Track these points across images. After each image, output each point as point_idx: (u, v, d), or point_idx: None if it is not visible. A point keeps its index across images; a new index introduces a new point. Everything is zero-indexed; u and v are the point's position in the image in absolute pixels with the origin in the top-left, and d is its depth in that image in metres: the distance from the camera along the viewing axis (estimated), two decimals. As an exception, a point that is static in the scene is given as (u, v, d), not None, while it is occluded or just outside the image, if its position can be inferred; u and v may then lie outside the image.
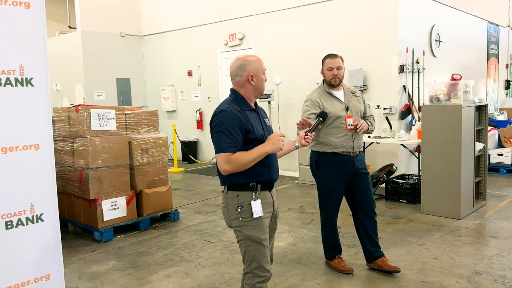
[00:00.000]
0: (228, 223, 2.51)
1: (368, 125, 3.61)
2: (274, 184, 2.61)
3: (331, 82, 3.59)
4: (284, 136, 2.46)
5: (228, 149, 2.33)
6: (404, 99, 7.06)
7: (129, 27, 10.69)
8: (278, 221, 2.68)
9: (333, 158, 3.56)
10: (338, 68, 3.57)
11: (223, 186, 2.52)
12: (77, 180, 4.83)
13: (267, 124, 2.62)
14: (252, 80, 2.49)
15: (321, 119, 2.97)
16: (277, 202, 2.63)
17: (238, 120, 2.37)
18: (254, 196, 2.42)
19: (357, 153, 3.62)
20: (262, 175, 2.46)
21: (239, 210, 2.42)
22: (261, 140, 2.44)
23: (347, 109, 3.53)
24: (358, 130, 3.54)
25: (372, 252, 3.71)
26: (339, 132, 3.53)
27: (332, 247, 3.80)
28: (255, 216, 2.40)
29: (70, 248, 4.53)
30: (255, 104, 2.60)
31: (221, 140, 2.35)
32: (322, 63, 3.64)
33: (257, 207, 2.42)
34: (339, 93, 3.62)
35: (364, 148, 6.58)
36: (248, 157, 2.35)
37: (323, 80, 3.69)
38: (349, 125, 3.52)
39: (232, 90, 2.55)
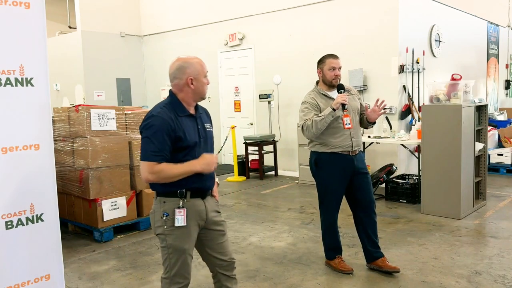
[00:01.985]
0: (153, 230, 2.40)
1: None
2: (210, 192, 2.49)
3: (332, 83, 3.55)
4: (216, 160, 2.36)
5: (153, 158, 2.23)
6: (404, 99, 7.06)
7: (129, 27, 10.68)
8: (224, 227, 2.54)
9: (332, 158, 3.54)
10: (339, 69, 3.57)
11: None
12: (77, 180, 4.83)
13: (207, 130, 2.48)
14: (192, 83, 2.35)
15: (342, 90, 3.48)
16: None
17: (168, 127, 2.25)
18: (180, 204, 2.31)
19: (357, 152, 3.60)
20: (193, 183, 2.34)
21: (164, 217, 2.31)
22: (193, 148, 2.33)
23: (343, 108, 3.47)
24: (380, 108, 3.48)
25: (371, 252, 3.71)
26: (337, 132, 3.51)
27: (332, 247, 3.79)
28: (176, 224, 2.30)
29: (70, 248, 4.53)
30: (197, 107, 2.47)
31: (147, 147, 2.25)
32: (321, 63, 3.59)
33: (180, 216, 2.30)
34: (334, 94, 3.58)
35: (364, 148, 6.58)
36: (174, 171, 2.25)
37: (317, 82, 3.67)
38: (346, 124, 3.45)
39: (170, 92, 2.41)
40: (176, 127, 2.28)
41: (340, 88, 3.53)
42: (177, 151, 2.30)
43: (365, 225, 3.67)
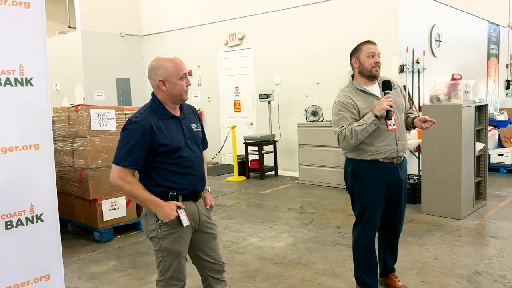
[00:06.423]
0: (146, 233, 2.40)
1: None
2: (201, 194, 2.47)
3: (372, 72, 2.99)
4: (181, 207, 2.30)
5: (123, 163, 2.21)
6: (404, 99, 7.04)
7: (129, 27, 10.68)
8: (215, 230, 2.53)
9: (374, 167, 3.02)
10: (379, 56, 3.03)
11: None
12: (77, 180, 4.83)
13: (194, 130, 2.42)
14: (164, 85, 2.26)
15: (389, 91, 2.97)
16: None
17: (143, 134, 2.20)
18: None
19: (401, 159, 3.10)
20: (184, 188, 2.34)
21: (159, 221, 2.29)
22: (176, 151, 2.29)
23: (387, 115, 2.93)
24: (429, 126, 3.00)
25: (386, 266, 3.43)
26: (380, 134, 2.97)
27: (369, 270, 3.21)
28: (184, 224, 2.29)
29: (70, 248, 4.52)
30: (182, 107, 2.40)
31: (119, 152, 2.24)
32: (357, 51, 3.05)
33: (183, 216, 2.29)
34: (374, 89, 3.05)
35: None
36: (137, 195, 2.24)
37: (352, 76, 3.13)
38: (390, 125, 2.93)
39: (152, 94, 2.35)
40: (156, 133, 2.23)
41: (387, 87, 3.00)
42: (162, 155, 2.27)
43: (388, 240, 3.36)
